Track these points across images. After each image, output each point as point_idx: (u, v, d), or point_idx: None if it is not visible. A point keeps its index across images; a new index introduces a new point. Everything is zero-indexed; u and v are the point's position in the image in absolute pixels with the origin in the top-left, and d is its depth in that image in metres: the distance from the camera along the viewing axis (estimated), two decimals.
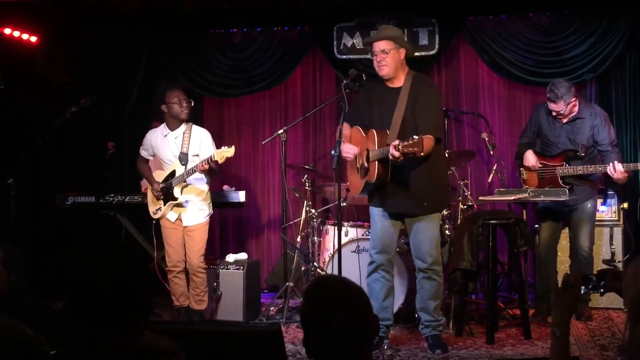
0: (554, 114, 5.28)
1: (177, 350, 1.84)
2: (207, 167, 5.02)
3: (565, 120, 5.30)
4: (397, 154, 4.01)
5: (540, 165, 5.34)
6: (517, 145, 5.66)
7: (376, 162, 4.33)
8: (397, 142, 4.04)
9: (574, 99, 5.24)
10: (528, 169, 5.42)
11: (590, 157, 5.28)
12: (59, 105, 5.50)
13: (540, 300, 5.46)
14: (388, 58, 4.40)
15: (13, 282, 2.62)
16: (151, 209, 5.37)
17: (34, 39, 6.34)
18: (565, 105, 5.19)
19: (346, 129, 4.66)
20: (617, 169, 4.98)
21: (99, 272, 1.78)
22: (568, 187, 5.18)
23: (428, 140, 4.11)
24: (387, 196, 4.49)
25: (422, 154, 3.98)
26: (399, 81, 4.49)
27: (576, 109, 5.28)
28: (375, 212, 4.61)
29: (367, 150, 4.43)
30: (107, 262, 1.81)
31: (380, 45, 4.42)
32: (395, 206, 4.49)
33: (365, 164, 4.46)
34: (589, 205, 5.28)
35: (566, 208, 5.33)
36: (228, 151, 4.99)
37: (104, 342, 1.74)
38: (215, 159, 4.99)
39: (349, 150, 4.52)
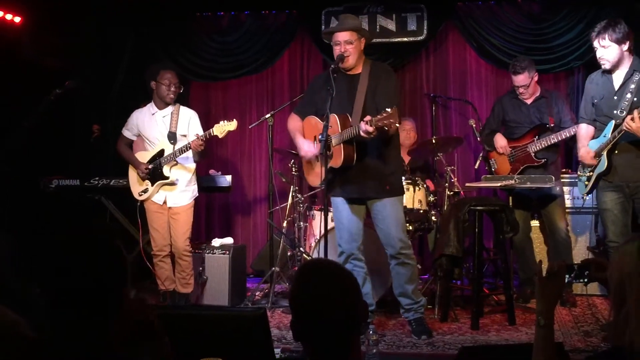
0: (520, 90, 5.38)
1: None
2: (202, 145, 4.99)
3: (530, 101, 5.44)
4: (370, 128, 3.97)
5: (509, 149, 5.46)
6: (482, 138, 5.72)
7: (341, 145, 4.30)
8: (368, 117, 4.02)
9: (536, 75, 5.41)
10: (498, 155, 5.52)
11: (560, 128, 5.32)
12: (44, 87, 5.43)
13: (523, 284, 5.53)
14: (352, 48, 4.40)
15: None
16: (136, 190, 5.33)
17: (17, 19, 6.24)
18: (530, 78, 5.33)
19: (297, 121, 4.65)
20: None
21: (73, 262, 1.73)
22: (543, 160, 5.31)
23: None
24: (348, 182, 4.47)
25: (397, 125, 3.97)
26: (357, 69, 4.49)
27: (538, 89, 5.47)
28: (338, 202, 4.58)
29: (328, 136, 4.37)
30: (81, 250, 1.74)
31: (344, 36, 4.40)
32: (358, 191, 4.48)
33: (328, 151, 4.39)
34: (557, 187, 5.34)
35: (535, 195, 5.41)
36: (230, 125, 4.97)
37: (80, 329, 1.70)
38: (215, 134, 4.97)
39: (308, 149, 4.50)
